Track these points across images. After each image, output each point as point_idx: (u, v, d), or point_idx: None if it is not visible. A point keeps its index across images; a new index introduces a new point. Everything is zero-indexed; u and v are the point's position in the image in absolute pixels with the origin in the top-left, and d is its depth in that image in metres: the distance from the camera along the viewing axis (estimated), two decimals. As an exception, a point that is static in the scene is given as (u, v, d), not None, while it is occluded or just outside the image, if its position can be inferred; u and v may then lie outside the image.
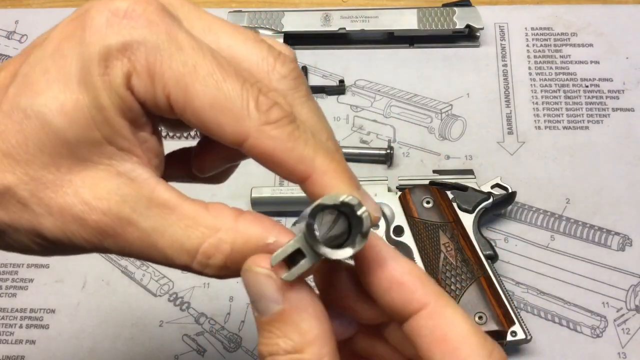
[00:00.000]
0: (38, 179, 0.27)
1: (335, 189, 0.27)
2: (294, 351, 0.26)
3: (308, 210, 0.26)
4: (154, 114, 0.28)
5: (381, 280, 0.27)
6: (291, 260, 0.26)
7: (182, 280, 0.68)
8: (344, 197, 0.25)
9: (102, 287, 0.68)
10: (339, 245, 0.26)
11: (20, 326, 0.67)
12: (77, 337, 0.66)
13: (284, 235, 0.27)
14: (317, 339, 0.26)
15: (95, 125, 0.27)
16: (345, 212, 0.26)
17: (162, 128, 0.34)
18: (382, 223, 0.68)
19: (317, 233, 0.25)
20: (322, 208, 0.26)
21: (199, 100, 0.26)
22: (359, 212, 0.25)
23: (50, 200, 0.27)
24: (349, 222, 0.26)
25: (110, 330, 0.66)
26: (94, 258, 0.70)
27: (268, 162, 0.28)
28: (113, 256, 0.70)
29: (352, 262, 0.29)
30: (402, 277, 0.27)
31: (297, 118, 0.28)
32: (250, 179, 0.70)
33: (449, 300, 0.27)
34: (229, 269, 0.28)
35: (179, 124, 0.30)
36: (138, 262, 0.70)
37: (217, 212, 0.28)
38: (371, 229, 0.26)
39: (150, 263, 0.69)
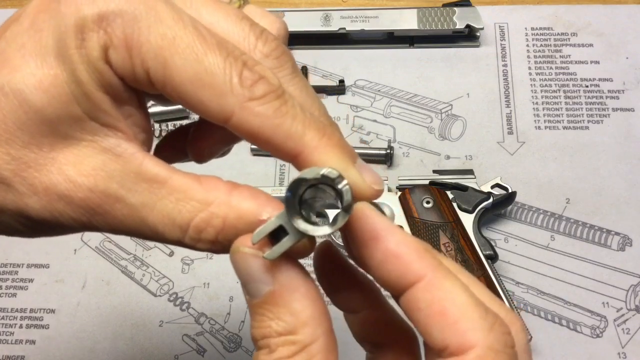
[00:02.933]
0: (20, 159, 0.26)
1: (326, 164, 0.26)
2: (287, 333, 0.25)
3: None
4: (136, 89, 0.27)
5: (375, 252, 0.26)
6: (276, 238, 0.25)
7: (182, 280, 0.68)
8: (324, 170, 0.24)
9: (102, 287, 0.68)
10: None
11: (20, 326, 0.67)
12: (77, 337, 0.66)
13: (278, 209, 0.26)
14: (310, 319, 0.25)
15: (75, 100, 0.26)
16: (331, 185, 0.24)
17: (152, 101, 0.33)
18: (382, 223, 0.68)
19: (295, 208, 0.24)
20: (300, 182, 0.24)
21: (179, 76, 0.25)
22: (339, 186, 0.24)
23: (34, 179, 0.27)
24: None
25: (110, 330, 0.66)
26: (94, 258, 0.70)
27: (255, 139, 0.26)
28: (113, 256, 0.70)
29: (339, 240, 0.28)
30: (397, 248, 0.25)
31: (285, 92, 0.27)
32: (250, 178, 0.70)
33: (448, 272, 0.25)
34: (222, 244, 0.27)
35: (166, 97, 0.29)
36: (138, 262, 0.70)
37: (209, 186, 0.27)
38: (368, 204, 0.25)
39: (150, 263, 0.69)
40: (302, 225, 0.24)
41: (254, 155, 0.74)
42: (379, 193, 0.27)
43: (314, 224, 0.24)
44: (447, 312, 0.24)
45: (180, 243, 0.27)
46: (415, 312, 0.25)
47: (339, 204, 0.24)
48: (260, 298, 0.26)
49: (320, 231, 0.24)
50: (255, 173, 0.73)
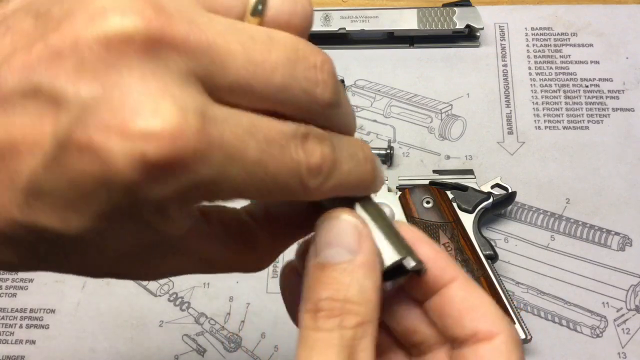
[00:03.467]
0: None
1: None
2: (355, 303, 0.25)
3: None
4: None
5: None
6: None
7: (182, 280, 0.68)
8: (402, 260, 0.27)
9: (102, 287, 0.68)
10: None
11: (20, 326, 0.67)
12: (77, 337, 0.66)
13: None
14: (371, 301, 0.25)
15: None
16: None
17: None
18: (382, 223, 0.68)
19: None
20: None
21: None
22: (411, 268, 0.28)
23: None
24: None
25: (110, 330, 0.66)
26: (94, 258, 0.70)
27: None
28: (113, 256, 0.70)
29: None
30: (437, 255, 0.29)
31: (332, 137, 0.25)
32: None
33: (471, 278, 0.29)
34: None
35: None
36: (138, 262, 0.70)
37: None
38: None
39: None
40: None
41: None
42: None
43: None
44: (479, 306, 0.28)
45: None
46: (449, 306, 0.29)
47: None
48: (336, 262, 0.25)
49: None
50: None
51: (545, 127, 0.76)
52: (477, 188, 0.68)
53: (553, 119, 0.76)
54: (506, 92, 0.78)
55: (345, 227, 0.26)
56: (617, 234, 0.69)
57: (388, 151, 0.73)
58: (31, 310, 0.68)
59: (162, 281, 0.68)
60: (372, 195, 0.29)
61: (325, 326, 0.24)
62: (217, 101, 0.21)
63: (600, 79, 0.79)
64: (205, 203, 0.23)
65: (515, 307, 0.61)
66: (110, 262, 0.26)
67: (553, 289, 0.67)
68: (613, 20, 0.82)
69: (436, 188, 0.67)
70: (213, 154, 0.20)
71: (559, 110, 0.77)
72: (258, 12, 0.24)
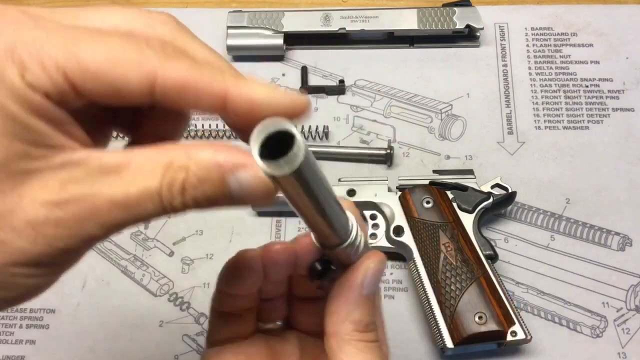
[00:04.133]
0: None
1: (258, 91, 0.28)
2: (375, 329, 0.37)
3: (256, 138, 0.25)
4: (67, 106, 0.28)
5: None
6: None
7: (182, 280, 0.68)
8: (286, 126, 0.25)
9: (102, 287, 0.68)
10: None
11: (20, 326, 0.67)
12: (77, 337, 0.66)
13: (233, 153, 0.28)
14: (382, 325, 0.38)
15: (15, 137, 0.26)
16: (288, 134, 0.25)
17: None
18: (382, 223, 0.68)
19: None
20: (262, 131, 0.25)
21: (94, 62, 0.26)
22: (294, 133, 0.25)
23: (12, 222, 0.26)
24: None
25: (110, 330, 0.66)
26: (94, 258, 0.70)
27: (183, 93, 0.28)
28: (113, 256, 0.70)
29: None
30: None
31: (191, 55, 0.29)
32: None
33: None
34: (193, 196, 0.28)
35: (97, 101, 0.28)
36: (138, 262, 0.70)
37: (168, 148, 0.28)
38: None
39: (150, 263, 0.69)
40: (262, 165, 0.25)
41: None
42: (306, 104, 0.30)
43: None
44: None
45: (164, 211, 0.28)
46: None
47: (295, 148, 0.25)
48: (371, 295, 0.36)
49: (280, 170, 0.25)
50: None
51: (545, 127, 0.76)
52: (477, 188, 0.68)
53: (553, 119, 0.76)
54: (506, 92, 0.78)
55: (382, 269, 0.36)
56: (617, 234, 0.69)
57: (388, 151, 0.73)
58: (31, 310, 0.68)
59: (162, 281, 0.68)
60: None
61: (372, 338, 0.36)
62: None
63: (600, 79, 0.79)
64: None
65: (515, 307, 0.61)
66: None
67: (553, 289, 0.67)
68: (613, 20, 0.82)
69: (436, 188, 0.67)
70: None
71: (559, 110, 0.77)
72: None
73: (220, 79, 0.28)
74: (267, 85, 0.29)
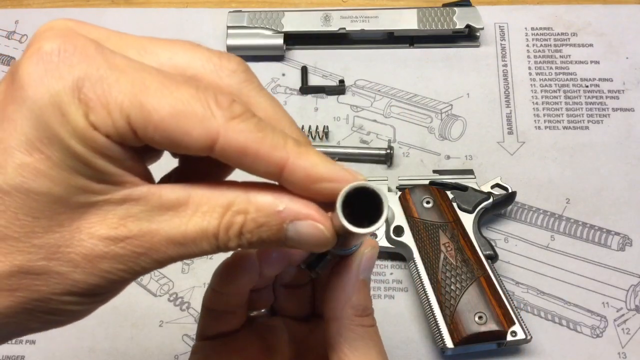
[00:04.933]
0: (46, 244, 0.27)
1: (317, 167, 0.28)
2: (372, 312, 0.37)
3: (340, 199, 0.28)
4: (127, 145, 0.28)
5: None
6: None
7: (182, 280, 0.68)
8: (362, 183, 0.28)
9: (102, 287, 0.68)
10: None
11: (20, 326, 0.67)
12: (77, 337, 0.66)
13: (294, 202, 0.28)
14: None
15: (77, 173, 0.26)
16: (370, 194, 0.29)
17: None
18: (382, 223, 0.68)
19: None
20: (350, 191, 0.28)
21: (158, 113, 0.26)
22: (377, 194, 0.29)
23: (70, 254, 0.27)
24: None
25: (110, 330, 0.66)
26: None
27: (243, 157, 0.27)
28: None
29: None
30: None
31: (256, 113, 0.28)
32: (249, 178, 0.71)
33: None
34: (249, 239, 0.29)
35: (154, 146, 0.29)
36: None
37: (227, 189, 0.29)
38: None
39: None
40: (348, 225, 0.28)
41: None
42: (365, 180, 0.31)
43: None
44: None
45: (217, 249, 0.29)
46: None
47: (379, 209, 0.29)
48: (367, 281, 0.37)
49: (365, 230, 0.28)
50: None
51: (545, 127, 0.76)
52: (477, 188, 0.68)
53: (553, 119, 0.76)
54: (506, 92, 0.78)
55: (375, 254, 0.36)
56: (617, 234, 0.69)
57: (388, 151, 0.73)
58: (31, 310, 0.67)
59: (162, 281, 0.68)
60: None
61: (370, 322, 0.36)
62: None
63: (600, 79, 0.79)
64: None
65: (515, 307, 0.61)
66: None
67: (553, 289, 0.67)
68: (613, 20, 0.82)
69: (436, 188, 0.67)
70: None
71: (559, 110, 0.77)
72: None
73: (282, 147, 0.28)
74: (327, 160, 0.29)
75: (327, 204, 0.29)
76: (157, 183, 0.34)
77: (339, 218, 0.28)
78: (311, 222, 0.28)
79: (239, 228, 0.28)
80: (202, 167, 0.32)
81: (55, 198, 0.26)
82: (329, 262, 0.37)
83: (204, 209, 0.28)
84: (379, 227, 0.29)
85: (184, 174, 0.34)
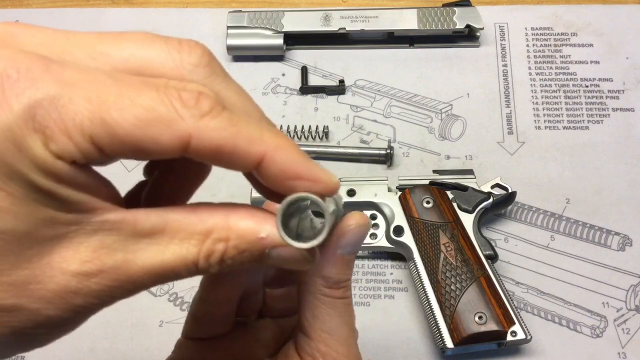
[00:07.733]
0: (15, 281, 0.25)
1: (294, 163, 0.27)
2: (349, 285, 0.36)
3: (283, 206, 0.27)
4: (94, 164, 0.26)
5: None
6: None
7: (182, 281, 0.68)
8: (309, 195, 0.27)
9: (102, 287, 0.68)
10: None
11: (20, 326, 0.67)
12: (77, 337, 0.66)
13: (276, 227, 0.27)
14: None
15: (44, 205, 0.24)
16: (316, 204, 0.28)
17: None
18: (382, 223, 0.68)
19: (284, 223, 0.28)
20: (291, 202, 0.27)
21: (121, 126, 0.24)
22: (323, 207, 0.28)
23: (41, 291, 0.26)
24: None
25: (110, 330, 0.66)
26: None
27: (219, 155, 0.26)
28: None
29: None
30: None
31: (225, 102, 0.27)
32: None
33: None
34: (230, 264, 0.28)
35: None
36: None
37: (206, 214, 0.27)
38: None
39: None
40: (290, 240, 0.27)
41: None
42: (338, 184, 0.30)
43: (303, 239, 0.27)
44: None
45: (196, 274, 0.28)
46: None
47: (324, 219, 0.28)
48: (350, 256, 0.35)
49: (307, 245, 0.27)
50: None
51: (545, 127, 0.76)
52: (477, 188, 0.68)
53: (553, 119, 0.76)
54: (506, 92, 0.78)
55: (362, 232, 0.34)
56: (617, 234, 0.69)
57: (388, 151, 0.73)
58: (31, 310, 0.67)
59: (162, 281, 0.68)
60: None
61: (339, 294, 0.35)
62: None
63: (600, 79, 0.79)
64: None
65: (515, 307, 0.61)
66: None
67: (553, 289, 0.67)
68: (613, 20, 0.82)
69: (436, 188, 0.67)
70: None
71: (559, 110, 0.77)
72: None
73: (259, 140, 0.26)
74: (304, 156, 0.28)
75: None
76: (128, 198, 0.34)
77: (278, 229, 0.27)
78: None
79: (220, 256, 0.27)
80: (178, 169, 0.31)
81: (22, 234, 0.24)
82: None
83: (182, 235, 0.27)
84: (319, 243, 0.27)
85: (158, 182, 0.33)
